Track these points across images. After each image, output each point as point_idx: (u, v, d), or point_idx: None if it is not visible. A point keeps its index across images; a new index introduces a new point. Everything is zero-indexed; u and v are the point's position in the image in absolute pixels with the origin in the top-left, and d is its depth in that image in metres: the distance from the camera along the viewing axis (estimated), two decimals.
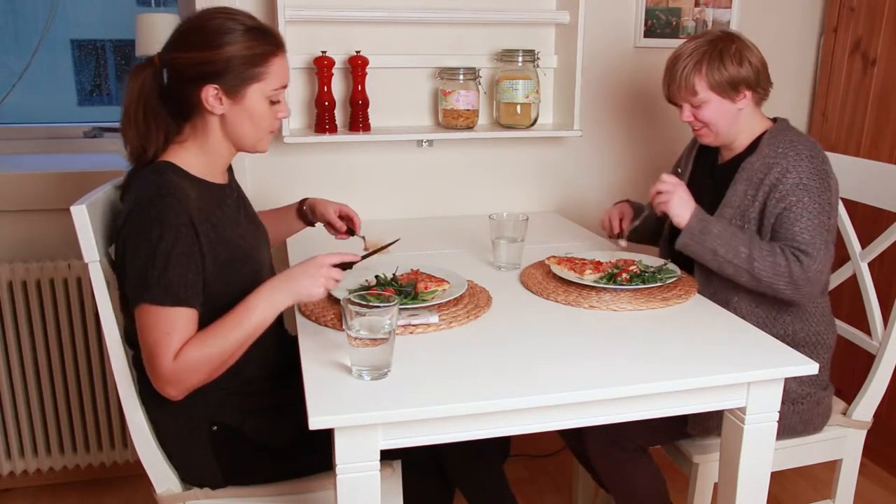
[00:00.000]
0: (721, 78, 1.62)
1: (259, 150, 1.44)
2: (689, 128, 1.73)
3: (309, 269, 1.28)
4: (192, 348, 1.22)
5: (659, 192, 1.61)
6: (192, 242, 1.27)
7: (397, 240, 1.56)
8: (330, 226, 1.70)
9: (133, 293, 1.24)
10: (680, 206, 1.59)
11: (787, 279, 1.53)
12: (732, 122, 1.67)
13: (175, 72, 1.34)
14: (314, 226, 1.75)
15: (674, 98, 1.70)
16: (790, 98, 2.60)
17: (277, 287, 1.28)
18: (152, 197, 1.26)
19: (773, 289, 1.55)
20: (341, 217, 1.68)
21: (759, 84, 1.65)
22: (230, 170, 1.51)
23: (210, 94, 1.32)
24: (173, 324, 1.22)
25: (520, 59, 2.20)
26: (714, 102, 1.64)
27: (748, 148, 1.69)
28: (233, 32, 1.31)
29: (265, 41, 1.35)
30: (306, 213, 1.71)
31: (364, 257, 1.42)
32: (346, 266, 1.33)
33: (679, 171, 1.89)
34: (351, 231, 1.69)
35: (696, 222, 1.58)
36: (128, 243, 1.25)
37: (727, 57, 1.61)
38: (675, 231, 1.64)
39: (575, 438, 1.88)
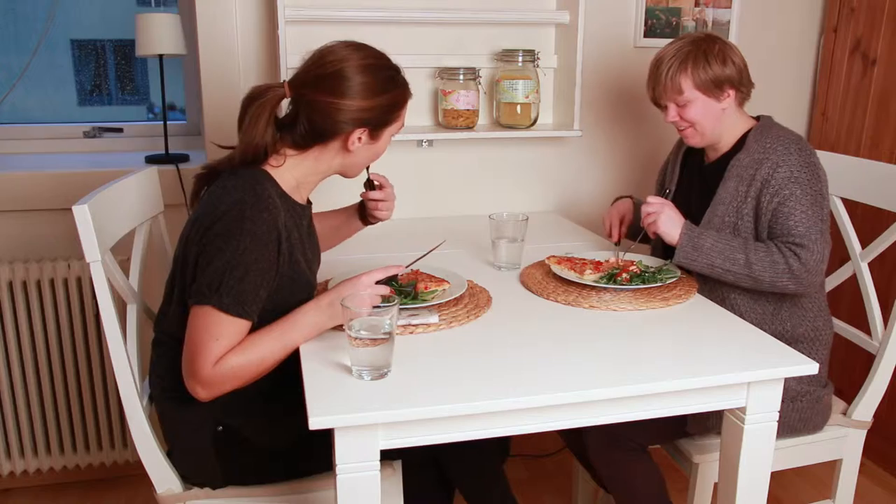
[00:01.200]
0: (706, 77, 1.64)
1: (351, 176, 1.51)
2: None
3: (355, 291, 1.27)
4: (233, 357, 1.23)
5: (648, 215, 1.64)
6: (272, 260, 1.29)
7: (443, 241, 1.59)
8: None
9: (201, 291, 1.24)
10: (668, 224, 1.62)
11: (788, 275, 1.54)
12: (717, 121, 1.69)
13: (323, 113, 1.35)
14: (370, 224, 1.71)
15: (659, 99, 1.72)
16: (790, 98, 2.60)
17: (323, 309, 1.29)
18: (251, 207, 1.27)
19: (776, 286, 1.57)
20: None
21: (742, 83, 1.68)
22: None
23: (357, 136, 1.37)
24: (227, 332, 1.23)
25: (520, 59, 2.20)
26: (699, 101, 1.66)
27: (734, 147, 1.71)
28: (381, 80, 1.37)
29: (403, 87, 1.42)
30: (366, 214, 1.69)
31: (409, 266, 1.42)
32: (389, 280, 1.34)
33: (665, 177, 1.90)
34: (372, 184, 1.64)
35: (687, 241, 1.61)
36: (214, 243, 1.25)
37: (711, 56, 1.64)
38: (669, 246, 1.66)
39: (575, 438, 1.88)
